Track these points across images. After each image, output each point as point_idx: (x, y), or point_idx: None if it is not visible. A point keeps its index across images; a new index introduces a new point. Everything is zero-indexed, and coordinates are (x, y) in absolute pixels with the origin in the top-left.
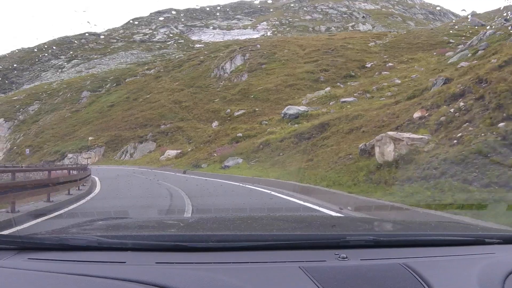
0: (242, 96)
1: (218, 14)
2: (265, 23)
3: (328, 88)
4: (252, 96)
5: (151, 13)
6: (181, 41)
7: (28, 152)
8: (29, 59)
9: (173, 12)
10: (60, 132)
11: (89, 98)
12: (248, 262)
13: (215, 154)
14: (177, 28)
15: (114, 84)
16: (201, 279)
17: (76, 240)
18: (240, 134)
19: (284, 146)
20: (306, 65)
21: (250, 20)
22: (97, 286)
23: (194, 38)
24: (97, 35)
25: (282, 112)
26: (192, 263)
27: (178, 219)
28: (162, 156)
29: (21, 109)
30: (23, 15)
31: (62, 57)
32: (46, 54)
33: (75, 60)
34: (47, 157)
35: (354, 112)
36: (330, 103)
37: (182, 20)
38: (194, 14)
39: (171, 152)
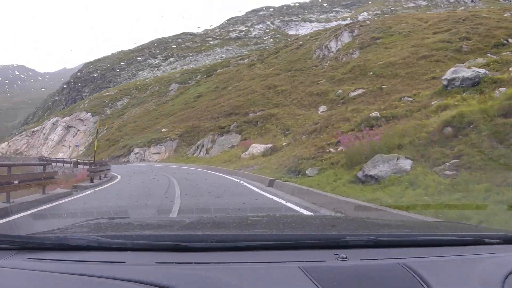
0: (357, 74)
1: (314, 8)
2: (365, 13)
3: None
4: (371, 73)
5: (246, 12)
6: (277, 36)
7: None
8: (127, 60)
9: (270, 10)
10: (141, 126)
11: (177, 91)
12: (248, 262)
13: (331, 150)
14: (273, 24)
15: (205, 76)
16: (201, 279)
17: (76, 240)
18: (375, 114)
19: None
20: (437, 35)
21: (349, 12)
22: (97, 286)
23: (291, 32)
24: (193, 34)
25: (445, 77)
26: (192, 263)
27: (177, 219)
28: (245, 153)
29: (110, 104)
30: (128, 20)
31: (158, 56)
32: (143, 54)
33: (171, 59)
34: (116, 152)
35: None
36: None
37: (278, 16)
38: (290, 10)
39: (258, 148)
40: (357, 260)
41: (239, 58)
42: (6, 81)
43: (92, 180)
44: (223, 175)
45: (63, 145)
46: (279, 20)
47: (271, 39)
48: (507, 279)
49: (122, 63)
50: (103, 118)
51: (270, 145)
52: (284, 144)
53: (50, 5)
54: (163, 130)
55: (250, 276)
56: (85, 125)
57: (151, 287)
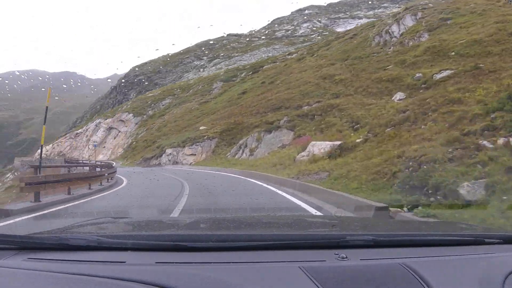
0: (434, 55)
1: (362, 5)
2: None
3: None
4: (453, 53)
5: (292, 12)
6: (325, 33)
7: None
8: (172, 62)
9: (315, 10)
10: (181, 125)
11: (221, 88)
12: (248, 262)
13: (486, 144)
14: (320, 22)
15: (250, 72)
16: (201, 279)
17: (76, 240)
18: None
19: None
20: None
21: (398, 7)
22: (97, 286)
23: (339, 29)
24: (238, 35)
25: None
26: (192, 263)
27: (177, 219)
28: (302, 154)
29: (152, 105)
30: (181, 24)
31: (204, 58)
32: (188, 56)
33: (217, 59)
34: (149, 153)
35: None
36: None
37: (325, 14)
38: (337, 8)
39: (320, 146)
40: (357, 260)
41: (287, 53)
42: (64, 86)
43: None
44: (276, 190)
45: (104, 147)
46: (326, 18)
47: (319, 37)
48: (507, 279)
49: (168, 67)
50: (145, 119)
51: (338, 142)
52: (357, 140)
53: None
54: (201, 128)
55: (250, 276)
56: (126, 126)
57: (151, 287)
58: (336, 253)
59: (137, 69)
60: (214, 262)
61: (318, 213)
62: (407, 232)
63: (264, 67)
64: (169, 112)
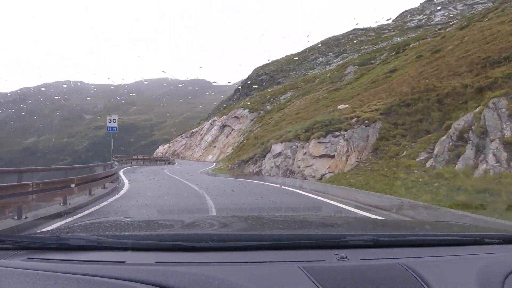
0: None
1: None
2: None
3: None
4: None
5: (421, 3)
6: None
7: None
8: (296, 61)
9: None
10: (304, 117)
11: (355, 73)
12: (248, 262)
13: None
14: (456, 9)
15: (393, 52)
16: (201, 279)
17: (76, 240)
18: None
19: None
20: None
21: None
22: (97, 286)
23: None
24: (365, 29)
25: None
26: (192, 263)
27: (178, 219)
28: None
29: (271, 99)
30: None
31: (329, 53)
32: (313, 53)
33: (344, 54)
34: (247, 152)
35: None
36: None
37: (459, 1)
38: None
39: None
40: (357, 260)
41: (438, 28)
42: (197, 92)
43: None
44: None
45: (215, 146)
46: (461, 5)
47: (459, 23)
48: (507, 279)
49: (292, 66)
50: (261, 114)
51: None
52: None
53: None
54: (341, 107)
55: (250, 276)
56: (240, 123)
57: (151, 286)
58: (336, 253)
59: (260, 70)
60: (214, 262)
61: None
62: (407, 232)
63: (410, 45)
64: (290, 104)
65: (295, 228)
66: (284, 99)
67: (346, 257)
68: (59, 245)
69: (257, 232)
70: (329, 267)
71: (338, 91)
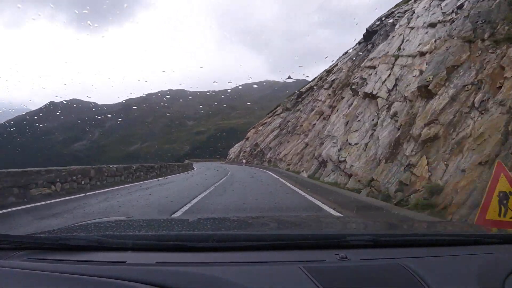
0: None
1: None
2: None
3: None
4: None
5: None
6: None
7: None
8: None
9: None
10: None
11: None
12: (248, 262)
13: None
14: None
15: None
16: (202, 279)
17: (76, 240)
18: None
19: None
20: None
21: None
22: (97, 286)
23: None
24: None
25: None
26: (192, 263)
27: (178, 219)
28: None
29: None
30: None
31: None
32: None
33: None
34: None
35: None
36: None
37: None
38: None
39: None
40: (358, 260)
41: None
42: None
43: None
44: None
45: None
46: None
47: None
48: (507, 279)
49: None
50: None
51: None
52: None
53: None
54: None
55: (250, 276)
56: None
57: (151, 287)
58: (336, 253)
59: None
60: (214, 262)
61: None
62: (407, 232)
63: None
64: None
65: (295, 228)
66: None
67: (347, 257)
68: (59, 245)
69: (257, 232)
70: (330, 267)
71: None
